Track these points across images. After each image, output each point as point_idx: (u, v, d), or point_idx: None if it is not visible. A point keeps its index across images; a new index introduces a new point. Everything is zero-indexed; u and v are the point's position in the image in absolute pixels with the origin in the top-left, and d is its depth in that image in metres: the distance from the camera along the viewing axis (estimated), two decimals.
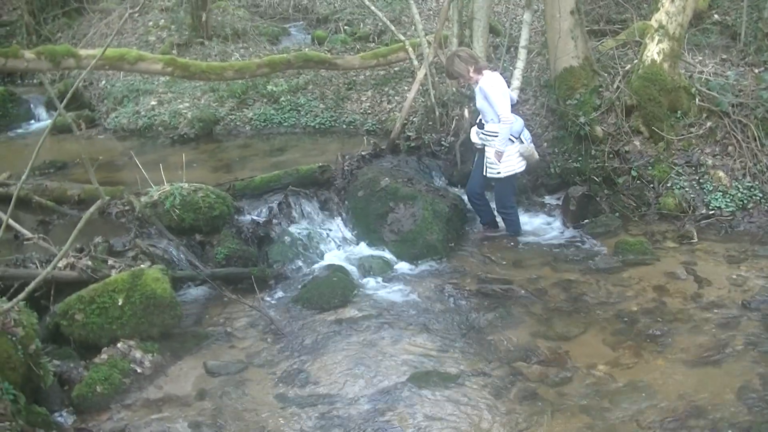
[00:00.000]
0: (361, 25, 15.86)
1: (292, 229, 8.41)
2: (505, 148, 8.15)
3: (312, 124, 11.63)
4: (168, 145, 11.63)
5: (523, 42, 9.66)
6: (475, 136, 8.48)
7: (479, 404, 5.66)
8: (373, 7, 11.71)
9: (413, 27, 12.08)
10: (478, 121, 8.48)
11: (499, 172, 8.25)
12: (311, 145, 10.99)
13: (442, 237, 8.28)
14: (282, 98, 12.07)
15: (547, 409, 5.55)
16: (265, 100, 12.26)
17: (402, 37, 11.38)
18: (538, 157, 8.60)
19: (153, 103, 12.60)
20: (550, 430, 5.31)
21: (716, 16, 12.62)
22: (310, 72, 12.76)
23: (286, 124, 11.77)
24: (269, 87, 12.18)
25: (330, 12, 17.00)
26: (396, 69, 12.81)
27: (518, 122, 8.24)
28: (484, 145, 8.33)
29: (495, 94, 8.02)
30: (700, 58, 10.42)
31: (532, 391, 5.78)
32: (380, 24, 14.56)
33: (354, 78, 12.69)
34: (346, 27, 16.02)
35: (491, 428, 5.39)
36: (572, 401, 5.61)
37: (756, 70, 9.74)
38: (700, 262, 7.70)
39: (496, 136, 8.13)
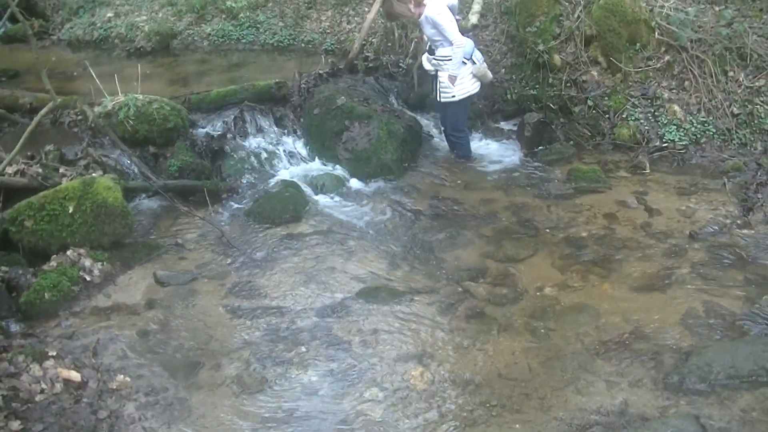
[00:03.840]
0: None
1: (247, 143, 8.38)
2: (459, 71, 8.13)
3: (270, 41, 11.46)
4: (124, 58, 11.43)
5: None
6: (427, 63, 8.44)
7: (426, 320, 5.76)
8: None
9: None
10: (428, 48, 8.44)
11: (453, 96, 8.25)
12: (269, 62, 10.84)
13: (396, 157, 8.29)
14: (241, 15, 11.85)
15: (494, 327, 5.67)
16: (224, 15, 12.01)
17: None
18: (491, 76, 8.62)
19: (109, 15, 12.32)
20: (496, 347, 5.42)
21: None
22: None
23: (244, 40, 11.59)
24: (228, 3, 11.93)
25: None
26: None
27: (469, 44, 8.20)
28: (437, 70, 8.30)
29: (443, 20, 7.97)
30: None
31: (480, 309, 5.89)
32: None
33: None
34: None
35: (437, 343, 5.50)
36: (518, 321, 5.73)
37: (717, 8, 9.73)
38: (652, 192, 7.80)
39: (449, 60, 8.11)
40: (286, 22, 11.73)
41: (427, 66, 8.46)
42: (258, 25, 11.71)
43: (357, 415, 4.84)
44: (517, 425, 4.70)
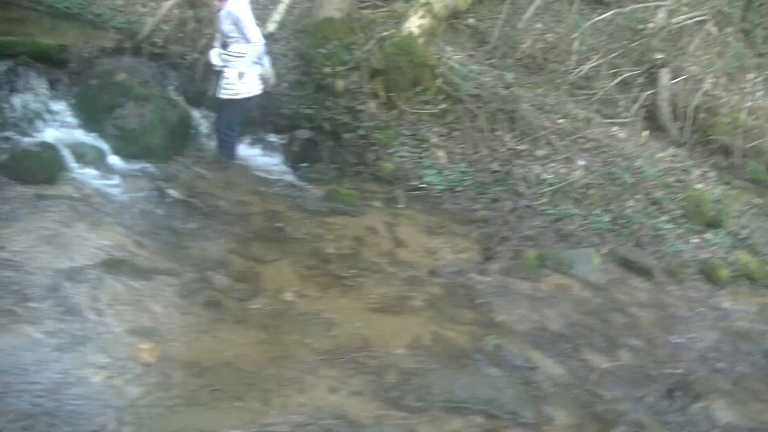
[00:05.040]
0: None
1: (14, 99, 8.09)
2: (249, 69, 8.34)
3: (58, 5, 11.01)
4: None
5: None
6: (216, 58, 8.50)
7: (164, 301, 5.88)
8: None
9: None
10: (220, 43, 8.55)
11: (237, 93, 8.41)
12: (51, 26, 10.42)
13: (164, 144, 8.35)
14: None
15: (229, 318, 5.89)
16: None
17: None
18: (274, 81, 8.88)
19: None
20: (228, 337, 5.64)
21: (471, 20, 13.43)
22: None
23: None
24: None
25: None
26: None
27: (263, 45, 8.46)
28: (225, 66, 8.45)
29: (247, 17, 8.17)
30: (450, 49, 11.10)
31: (218, 300, 6.09)
32: None
33: None
34: None
35: (172, 324, 5.64)
36: (254, 317, 5.98)
37: (497, 71, 10.55)
38: (402, 226, 8.27)
39: (242, 57, 8.30)
40: None
41: (215, 61, 8.53)
42: None
43: (77, 375, 4.88)
44: (236, 412, 4.91)
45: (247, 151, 9.24)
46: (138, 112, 8.34)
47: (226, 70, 8.43)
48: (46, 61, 8.62)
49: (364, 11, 11.03)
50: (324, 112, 9.47)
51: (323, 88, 9.54)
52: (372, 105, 9.62)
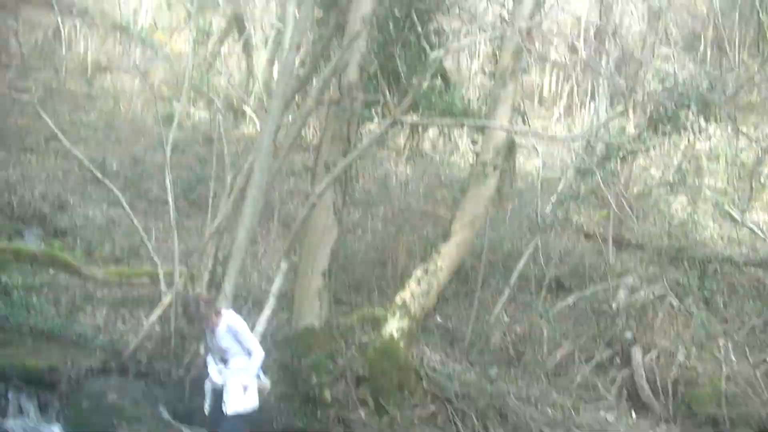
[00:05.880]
0: (100, 247, 15.43)
1: (5, 424, 7.93)
2: (252, 381, 8.22)
3: (41, 327, 11.12)
4: None
5: (274, 289, 9.98)
6: (217, 375, 8.29)
7: None
8: (135, 221, 11.80)
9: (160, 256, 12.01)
10: (218, 360, 8.35)
11: (244, 407, 8.14)
12: (34, 347, 10.46)
13: None
14: (15, 293, 11.55)
15: None
16: None
17: (157, 259, 11.43)
18: (268, 388, 8.70)
19: None
20: None
21: (439, 318, 13.67)
22: (47, 275, 12.42)
23: (13, 320, 11.12)
24: (3, 278, 11.67)
25: (71, 226, 16.51)
26: (134, 294, 12.70)
27: None
28: (226, 382, 8.20)
29: (245, 330, 8.20)
30: (427, 350, 11.27)
31: None
32: (120, 249, 14.55)
33: (92, 292, 12.44)
34: (84, 244, 15.56)
35: None
36: None
37: (477, 368, 10.67)
38: None
39: (245, 370, 8.17)
40: (59, 311, 11.54)
41: (216, 379, 8.28)
42: (30, 308, 11.40)
43: None
44: None
45: None
46: None
47: (228, 384, 8.19)
48: (35, 383, 8.68)
49: (345, 318, 11.32)
50: (316, 424, 9.36)
51: (311, 400, 9.48)
52: (362, 413, 9.59)
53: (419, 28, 11.52)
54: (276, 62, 21.56)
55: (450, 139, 20.52)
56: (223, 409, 8.22)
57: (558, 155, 20.43)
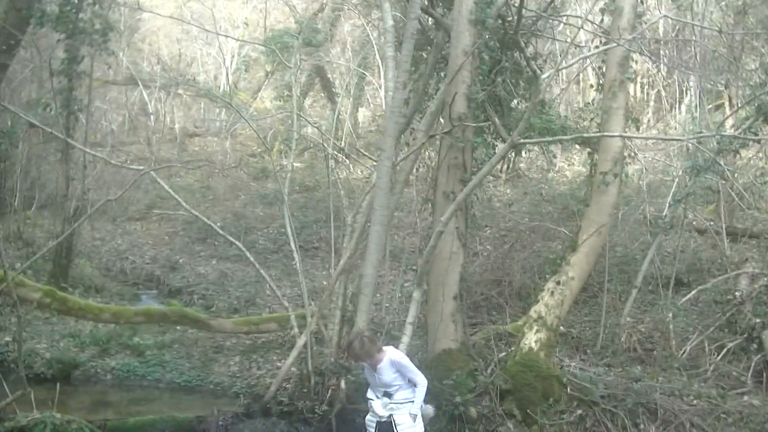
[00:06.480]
0: (216, 301, 15.72)
1: None
2: (419, 410, 8.09)
3: (178, 380, 11.25)
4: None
5: (410, 318, 9.91)
6: (381, 408, 8.13)
7: None
8: (262, 272, 11.83)
9: (288, 300, 12.08)
10: (381, 394, 8.18)
11: None
12: (174, 401, 10.60)
13: None
14: (148, 352, 11.71)
15: None
16: (128, 351, 11.84)
17: (286, 305, 11.43)
18: (432, 413, 8.56)
19: (7, 339, 11.89)
20: None
21: (562, 327, 13.50)
22: (176, 331, 12.57)
23: (150, 377, 11.31)
24: (135, 339, 11.84)
25: (184, 285, 16.88)
26: (262, 340, 12.80)
27: None
28: (392, 414, 8.07)
29: (408, 363, 8.13)
30: (563, 358, 11.08)
31: None
32: (236, 300, 14.97)
33: (221, 342, 12.54)
34: (200, 300, 15.85)
35: None
36: None
37: (615, 370, 10.42)
38: None
39: (411, 402, 8.09)
40: (193, 363, 11.64)
41: (380, 412, 8.13)
42: (164, 364, 11.54)
43: None
44: None
45: None
46: None
47: (396, 416, 8.05)
48: None
49: (473, 337, 11.22)
50: None
51: (457, 418, 9.34)
52: (510, 425, 9.43)
53: (518, 55, 11.65)
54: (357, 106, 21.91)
55: (546, 157, 20.50)
56: None
57: (654, 158, 20.13)
